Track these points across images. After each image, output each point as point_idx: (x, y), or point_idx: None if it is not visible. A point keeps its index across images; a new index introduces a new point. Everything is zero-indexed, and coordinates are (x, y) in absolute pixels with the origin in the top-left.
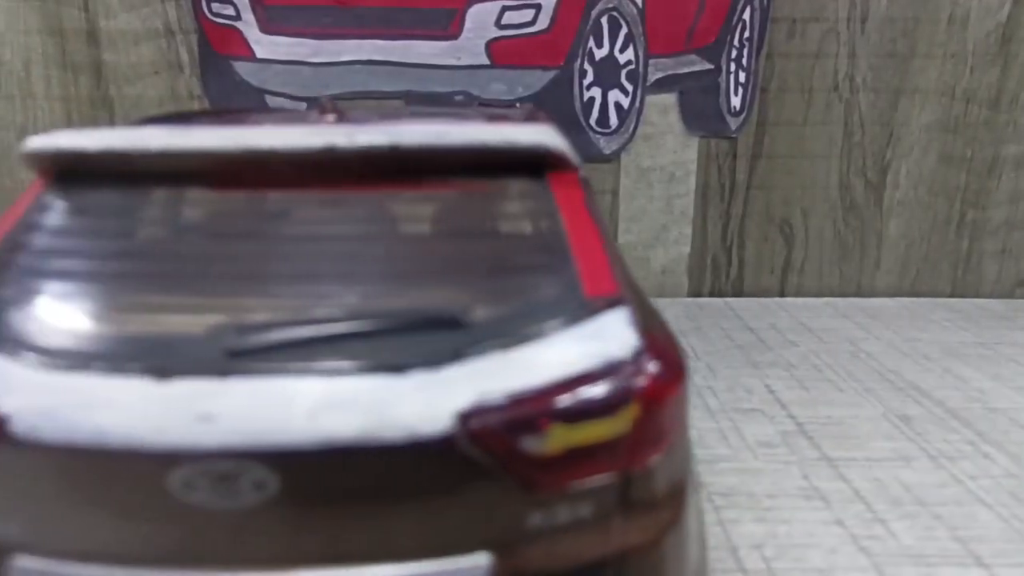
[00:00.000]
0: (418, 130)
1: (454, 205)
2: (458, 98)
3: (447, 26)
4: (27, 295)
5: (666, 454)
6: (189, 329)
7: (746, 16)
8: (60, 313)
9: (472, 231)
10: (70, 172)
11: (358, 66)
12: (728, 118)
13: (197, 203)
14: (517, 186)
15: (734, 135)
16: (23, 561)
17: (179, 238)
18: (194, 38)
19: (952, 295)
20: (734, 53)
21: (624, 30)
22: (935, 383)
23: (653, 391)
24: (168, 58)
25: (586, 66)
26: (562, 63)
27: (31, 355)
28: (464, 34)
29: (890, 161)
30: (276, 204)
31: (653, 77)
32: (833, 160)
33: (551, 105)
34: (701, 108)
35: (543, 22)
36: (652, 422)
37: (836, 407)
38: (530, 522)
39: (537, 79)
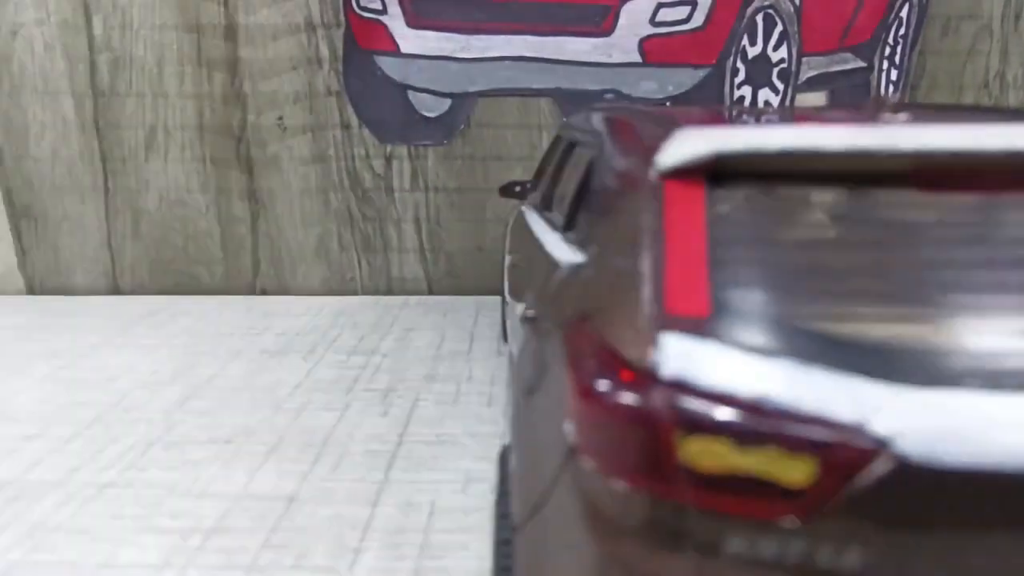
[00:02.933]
0: None
1: None
2: (608, 96)
3: (600, 23)
4: (829, 310)
5: None
6: None
7: (903, 13)
8: (895, 327)
9: None
10: (724, 175)
11: (507, 62)
12: None
13: (911, 205)
14: None
15: None
16: None
17: (932, 241)
18: (335, 32)
19: None
20: (888, 51)
21: (779, 28)
22: None
23: None
24: (307, 53)
25: (738, 64)
26: (714, 61)
27: (884, 371)
28: (617, 31)
29: None
30: None
31: (805, 76)
32: None
33: (699, 104)
34: None
35: (698, 19)
36: None
37: None
38: None
39: (688, 77)
